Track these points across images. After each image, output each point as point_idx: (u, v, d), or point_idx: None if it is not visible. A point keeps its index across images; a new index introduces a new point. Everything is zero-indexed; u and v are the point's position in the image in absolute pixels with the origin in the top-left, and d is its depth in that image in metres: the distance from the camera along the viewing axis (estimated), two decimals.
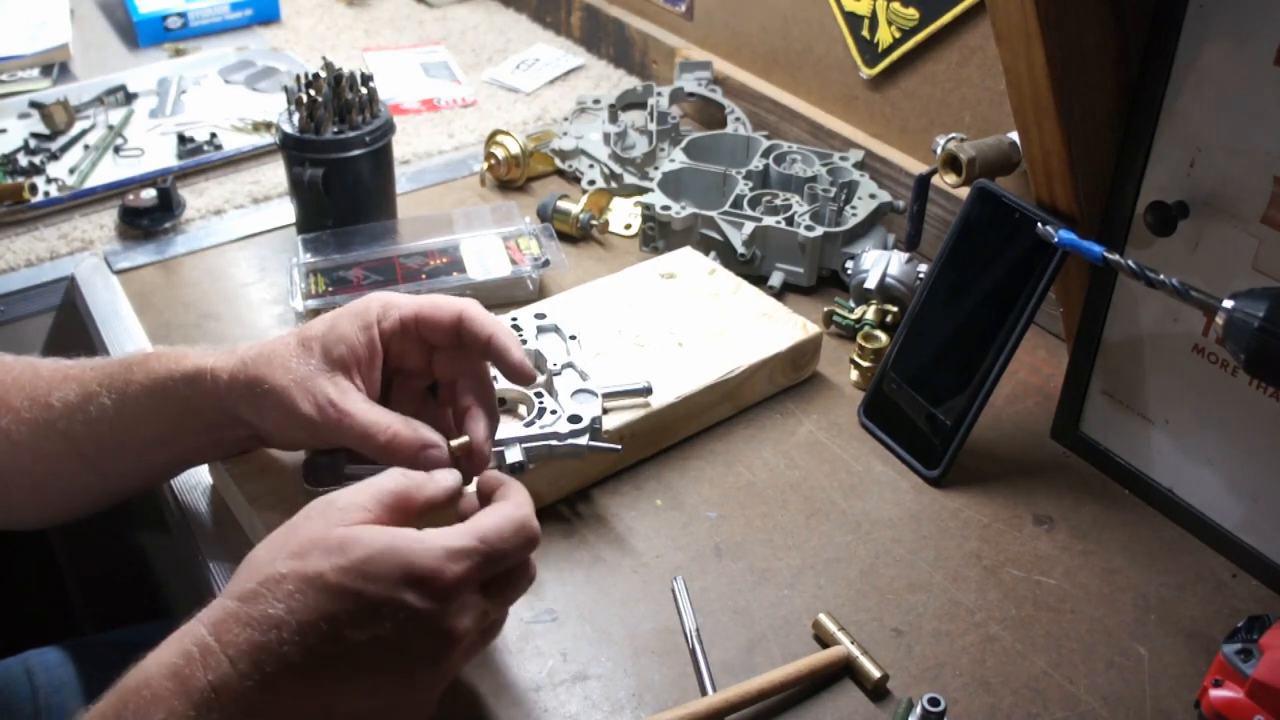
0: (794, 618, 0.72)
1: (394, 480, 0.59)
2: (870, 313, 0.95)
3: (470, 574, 0.56)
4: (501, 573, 0.59)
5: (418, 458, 0.64)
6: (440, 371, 0.69)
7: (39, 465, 0.70)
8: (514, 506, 0.60)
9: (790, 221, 1.01)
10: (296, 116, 1.00)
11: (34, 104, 1.28)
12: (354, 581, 0.53)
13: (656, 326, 0.90)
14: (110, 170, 1.19)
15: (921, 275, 0.94)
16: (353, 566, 0.53)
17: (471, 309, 0.67)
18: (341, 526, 0.55)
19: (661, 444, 0.84)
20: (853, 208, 1.04)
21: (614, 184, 1.17)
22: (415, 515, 0.59)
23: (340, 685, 0.54)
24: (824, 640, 0.70)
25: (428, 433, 0.65)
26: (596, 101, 1.29)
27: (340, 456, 0.72)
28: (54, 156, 1.20)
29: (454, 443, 0.66)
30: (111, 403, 0.68)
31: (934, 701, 0.64)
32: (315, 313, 0.94)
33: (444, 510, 0.61)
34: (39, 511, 0.75)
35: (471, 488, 0.64)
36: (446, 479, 0.61)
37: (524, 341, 0.82)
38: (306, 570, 0.53)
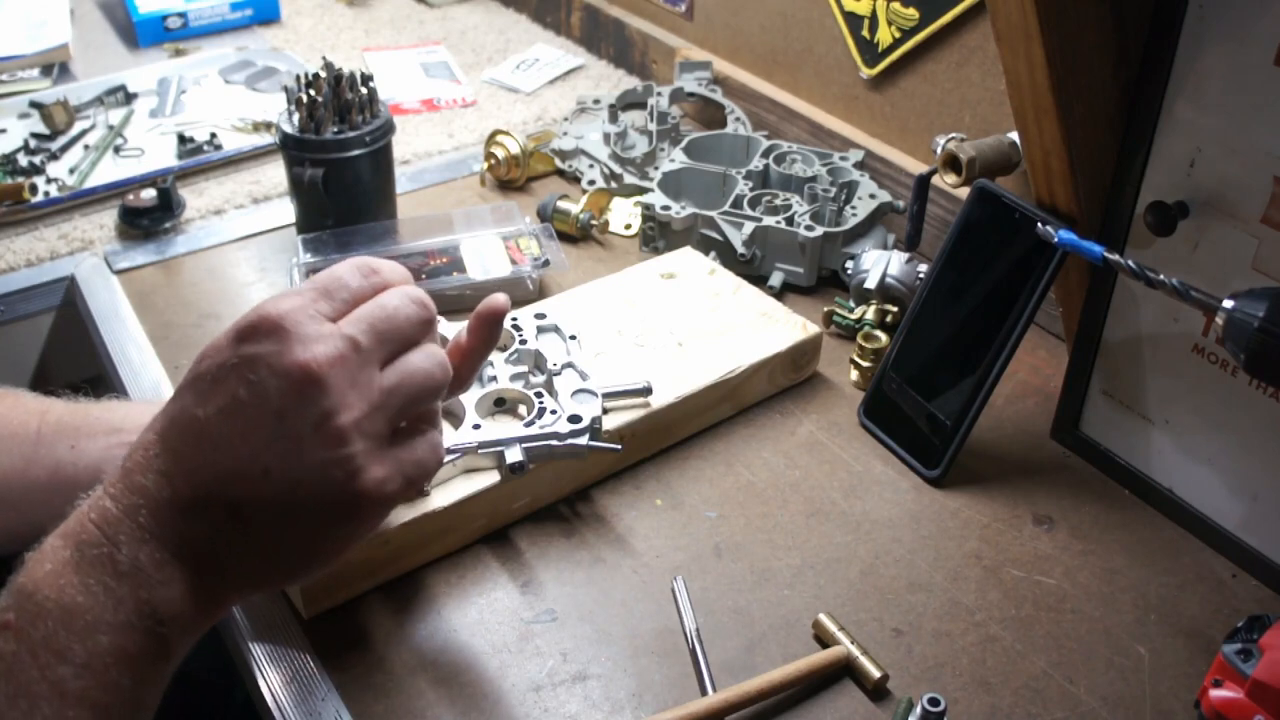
0: (794, 618, 0.72)
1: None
2: (870, 313, 0.95)
3: (302, 306, 0.52)
4: (347, 301, 0.54)
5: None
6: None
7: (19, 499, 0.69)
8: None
9: (790, 221, 1.01)
10: (296, 116, 1.00)
11: (34, 104, 1.28)
12: (195, 366, 0.52)
13: (656, 326, 0.90)
14: (110, 170, 1.19)
15: (921, 275, 0.94)
16: (196, 359, 0.53)
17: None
18: None
19: (661, 444, 0.84)
20: (853, 208, 1.04)
21: (614, 184, 1.17)
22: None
23: (219, 475, 0.50)
24: (824, 640, 0.70)
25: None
26: (596, 101, 1.29)
27: None
28: (54, 156, 1.20)
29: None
30: (95, 455, 0.68)
31: (934, 701, 0.64)
32: None
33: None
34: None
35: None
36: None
37: (524, 342, 0.82)
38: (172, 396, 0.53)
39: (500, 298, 0.64)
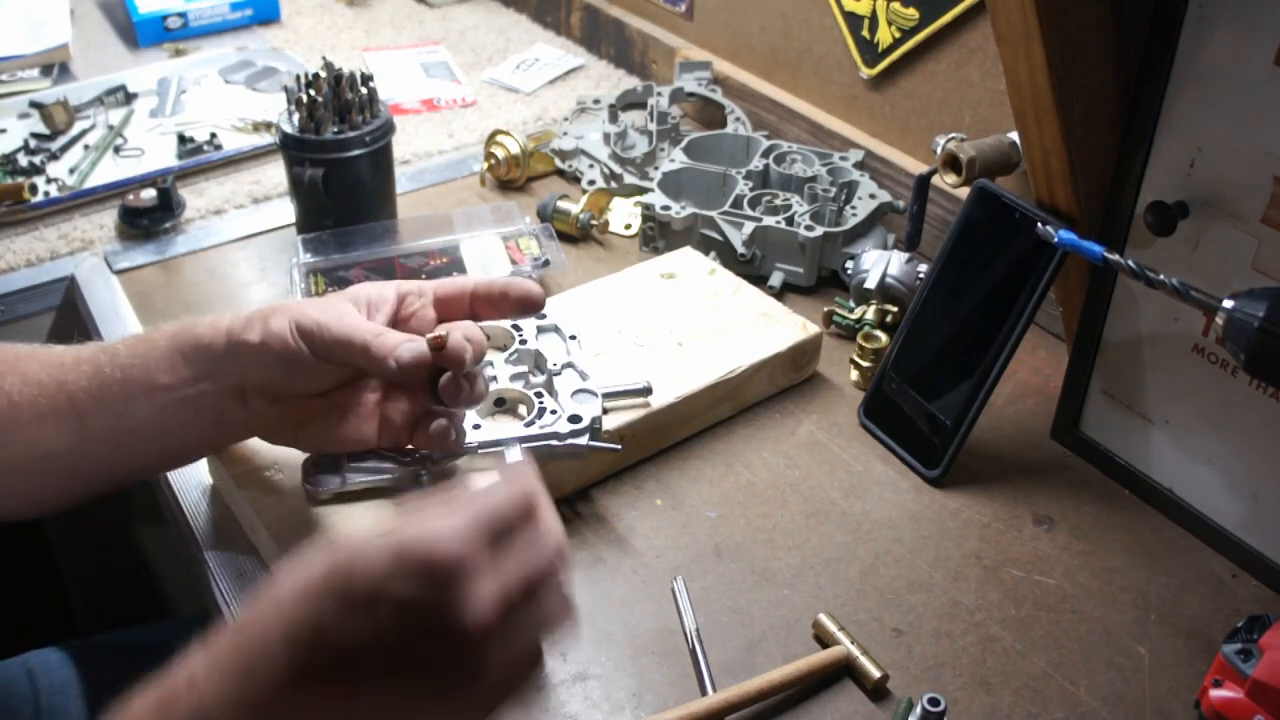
0: (794, 618, 0.72)
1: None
2: (870, 313, 0.95)
3: (468, 549, 0.49)
4: (512, 546, 0.51)
5: (396, 349, 0.64)
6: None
7: (34, 427, 0.68)
8: (506, 475, 0.55)
9: (790, 221, 1.01)
10: (296, 116, 1.00)
11: (34, 104, 1.28)
12: (339, 580, 0.48)
13: (656, 326, 0.90)
14: (110, 170, 1.19)
15: (921, 275, 0.94)
16: (339, 564, 0.48)
17: (479, 280, 0.71)
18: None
19: (661, 444, 0.84)
20: (853, 208, 1.04)
21: (614, 184, 1.17)
22: None
23: (342, 703, 0.49)
24: (824, 640, 0.70)
25: (405, 334, 0.67)
26: (596, 101, 1.29)
27: (341, 458, 0.72)
28: (54, 156, 1.20)
29: (428, 336, 0.66)
30: (125, 349, 0.69)
31: (934, 701, 0.64)
32: None
33: None
34: (30, 492, 0.72)
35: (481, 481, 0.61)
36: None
37: (524, 341, 0.82)
38: (297, 582, 0.49)
39: (538, 291, 0.70)
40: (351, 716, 0.49)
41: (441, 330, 0.66)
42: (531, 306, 0.72)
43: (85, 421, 0.68)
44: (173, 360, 0.68)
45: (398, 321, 0.70)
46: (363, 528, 0.51)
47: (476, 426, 0.75)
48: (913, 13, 1.05)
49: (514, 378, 0.80)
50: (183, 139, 1.24)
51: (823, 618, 0.70)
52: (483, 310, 0.72)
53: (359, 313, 0.68)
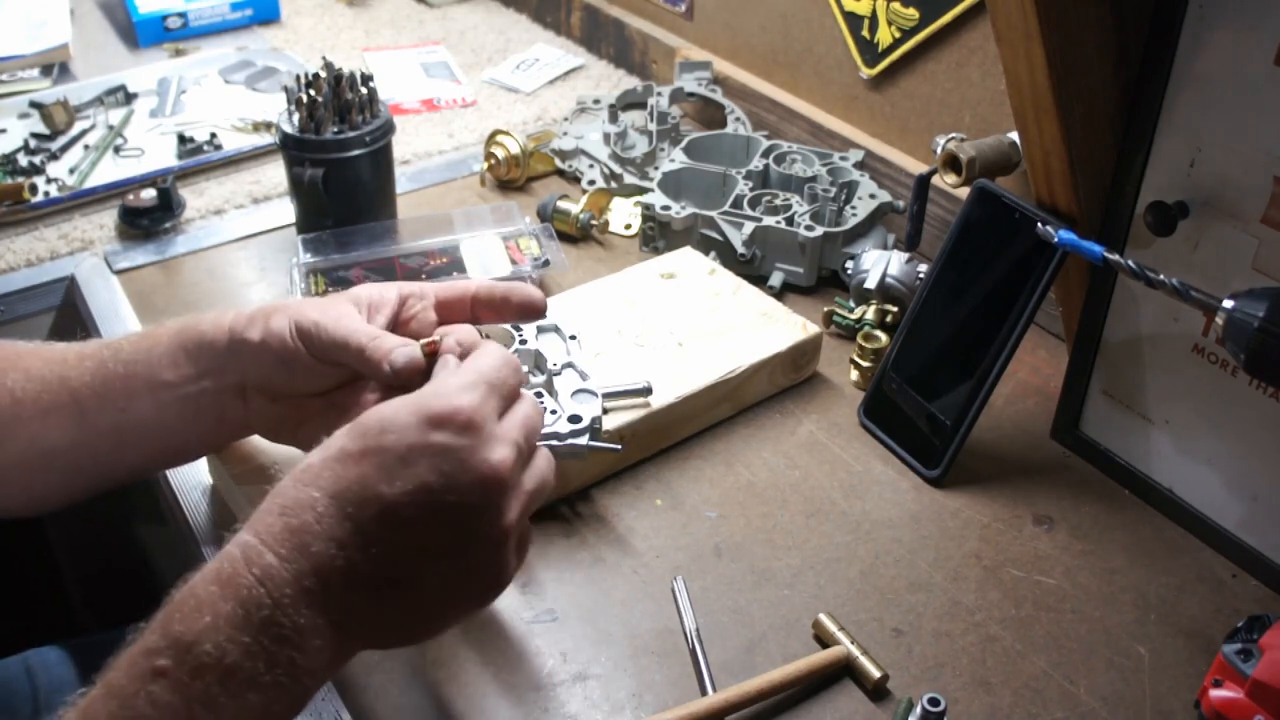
0: (794, 618, 0.72)
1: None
2: (870, 313, 0.95)
3: (484, 402, 0.56)
4: (510, 402, 0.59)
5: (391, 355, 0.64)
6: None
7: (36, 424, 0.69)
8: (492, 346, 0.62)
9: (790, 221, 1.01)
10: (296, 116, 1.00)
11: (34, 104, 1.28)
12: (374, 440, 0.53)
13: (656, 326, 0.90)
14: (110, 170, 1.19)
15: (921, 275, 0.94)
16: (368, 428, 0.54)
17: (481, 284, 0.72)
18: None
19: (661, 444, 0.84)
20: (853, 208, 1.04)
21: (614, 184, 1.17)
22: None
23: (394, 552, 0.53)
24: (824, 640, 0.70)
25: (402, 338, 0.67)
26: (596, 101, 1.29)
27: None
28: (54, 156, 1.20)
29: (421, 342, 0.66)
30: (128, 345, 0.69)
31: (934, 701, 0.64)
32: None
33: None
34: (32, 488, 0.72)
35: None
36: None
37: (524, 341, 0.82)
38: (329, 452, 0.54)
39: (540, 298, 0.71)
40: (408, 569, 0.53)
41: (436, 335, 0.66)
42: (533, 312, 0.72)
43: (88, 418, 0.69)
44: (175, 357, 0.68)
45: (398, 324, 0.70)
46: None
47: None
48: (913, 13, 1.05)
49: None
50: (183, 139, 1.24)
51: (823, 618, 0.70)
52: (484, 314, 0.72)
53: (359, 314, 0.68)
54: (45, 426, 0.68)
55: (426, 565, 0.54)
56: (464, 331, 0.68)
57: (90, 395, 0.68)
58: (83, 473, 0.72)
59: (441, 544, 0.54)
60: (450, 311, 0.72)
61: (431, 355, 0.66)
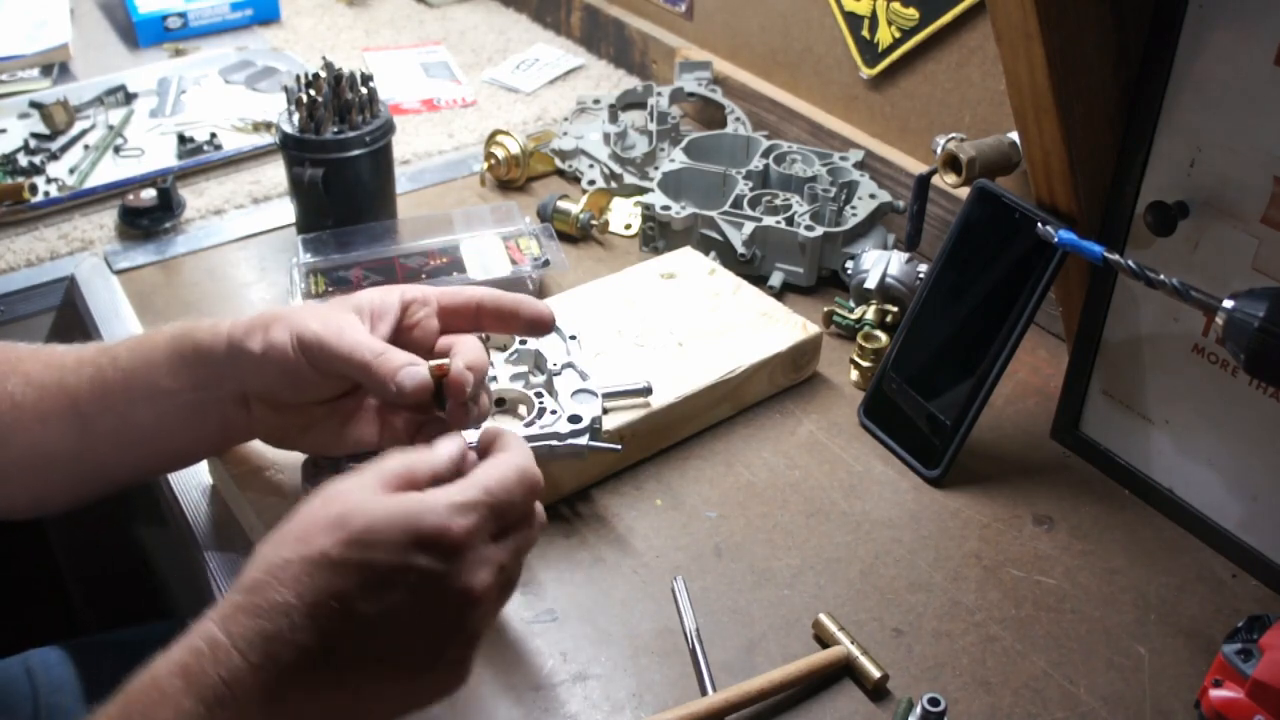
0: (794, 618, 0.72)
1: (396, 459, 0.57)
2: (870, 313, 0.95)
3: (479, 527, 0.55)
4: (511, 523, 0.58)
5: (397, 374, 0.63)
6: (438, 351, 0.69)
7: (37, 428, 0.68)
8: (514, 455, 0.59)
9: (790, 221, 1.01)
10: (296, 116, 1.00)
11: (34, 104, 1.28)
12: (358, 553, 0.51)
13: (656, 326, 0.90)
14: (110, 170, 1.19)
15: (921, 275, 0.94)
16: (354, 538, 0.52)
17: (488, 294, 0.70)
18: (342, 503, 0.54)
19: (661, 444, 0.84)
20: (853, 208, 1.04)
21: (614, 184, 1.17)
22: (422, 490, 0.58)
23: (362, 666, 0.53)
24: (824, 640, 0.70)
25: (408, 354, 0.65)
26: (596, 101, 1.29)
27: (341, 459, 0.72)
28: (54, 156, 1.20)
29: (431, 363, 0.64)
30: (126, 351, 0.68)
31: (934, 701, 0.64)
32: None
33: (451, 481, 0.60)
34: (33, 491, 0.72)
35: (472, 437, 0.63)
36: (449, 446, 0.59)
37: (524, 342, 0.82)
38: (309, 552, 0.52)
39: (549, 313, 0.70)
40: (370, 679, 0.53)
41: (444, 360, 0.65)
42: (541, 328, 0.70)
43: (88, 423, 0.68)
44: (173, 364, 0.68)
45: (401, 330, 0.69)
46: (347, 480, 0.55)
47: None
48: (913, 13, 1.05)
49: (514, 378, 0.80)
50: (183, 139, 1.24)
51: (823, 618, 0.70)
52: (490, 325, 0.71)
53: (362, 322, 0.67)
54: (46, 431, 0.68)
55: (389, 674, 0.54)
56: (470, 353, 0.66)
57: (90, 401, 0.68)
58: (84, 476, 0.71)
59: (409, 656, 0.54)
60: (455, 319, 0.70)
61: (440, 377, 0.64)
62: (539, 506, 0.61)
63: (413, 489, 0.56)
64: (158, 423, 0.69)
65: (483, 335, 0.82)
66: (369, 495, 0.54)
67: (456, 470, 0.59)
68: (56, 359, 0.70)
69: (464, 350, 0.66)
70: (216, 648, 0.50)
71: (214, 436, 0.72)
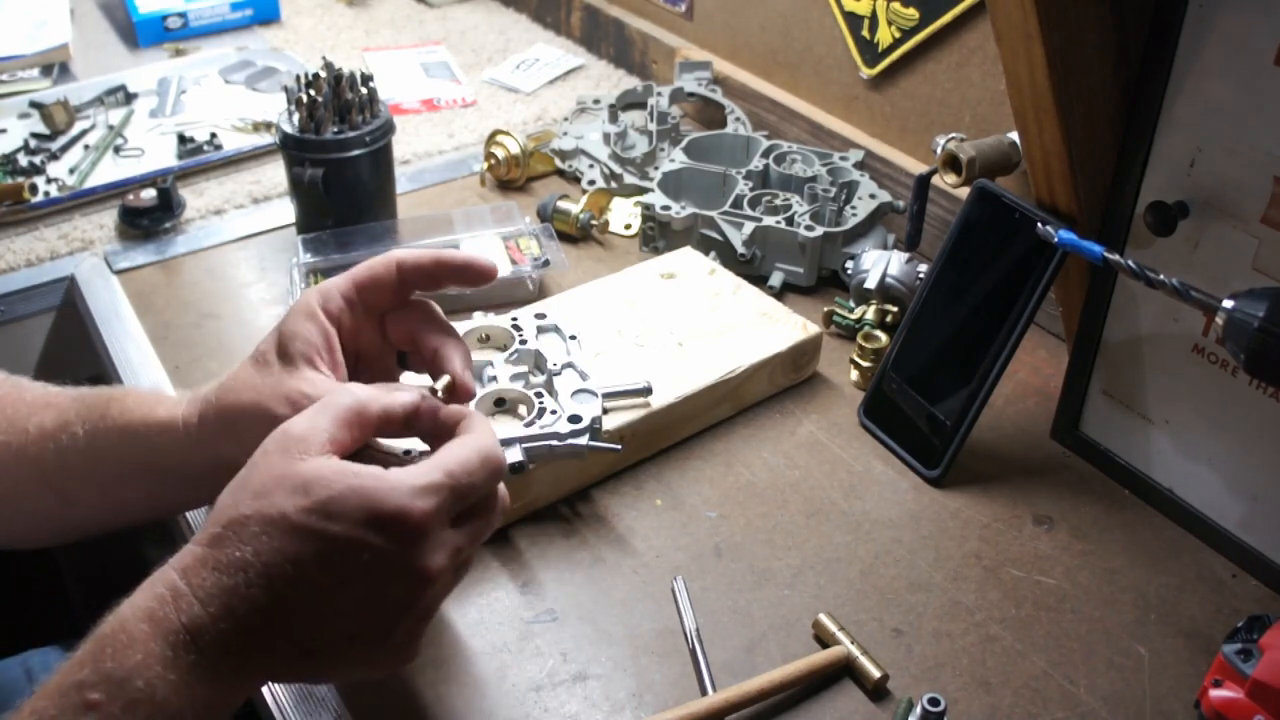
0: (794, 618, 0.72)
1: (348, 396, 0.58)
2: (870, 313, 0.95)
3: (439, 510, 0.55)
4: (472, 506, 0.58)
5: (417, 412, 0.61)
6: (397, 335, 0.68)
7: (6, 484, 0.70)
8: (477, 437, 0.58)
9: (790, 221, 1.01)
10: (296, 116, 1.00)
11: (34, 104, 1.28)
12: (317, 522, 0.52)
13: (656, 326, 0.90)
14: (110, 170, 1.19)
15: (921, 275, 0.94)
16: (316, 506, 0.52)
17: (404, 254, 0.67)
18: (302, 459, 0.54)
19: (661, 444, 0.84)
20: (853, 208, 1.04)
21: (614, 184, 1.17)
22: (374, 430, 0.58)
23: (314, 627, 0.53)
24: (824, 640, 0.70)
25: (410, 393, 0.62)
26: (596, 101, 1.29)
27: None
28: (54, 156, 1.20)
29: (437, 385, 0.64)
30: (84, 434, 0.68)
31: (934, 701, 0.64)
32: None
33: (402, 431, 0.60)
34: (4, 534, 0.74)
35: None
36: (405, 395, 0.60)
37: (524, 341, 0.82)
38: (269, 511, 0.52)
39: (492, 266, 0.68)
40: (325, 644, 0.54)
41: (445, 378, 0.65)
42: (475, 275, 0.67)
43: (74, 506, 0.70)
44: (150, 463, 0.68)
45: (348, 354, 0.67)
46: (300, 422, 0.56)
47: None
48: (913, 13, 1.05)
49: (514, 378, 0.80)
50: (183, 139, 1.24)
51: (823, 618, 0.70)
52: (449, 279, 0.68)
53: (322, 374, 0.64)
54: (14, 491, 0.70)
55: (343, 643, 0.55)
56: (463, 353, 0.66)
57: (56, 472, 0.69)
58: (70, 533, 0.74)
59: (361, 628, 0.55)
60: (374, 295, 0.67)
61: (450, 391, 0.64)
62: (502, 488, 0.61)
63: (365, 428, 0.57)
64: (130, 493, 0.70)
65: (483, 335, 0.82)
66: (327, 448, 0.55)
67: (409, 418, 0.60)
68: (21, 420, 0.70)
69: (456, 355, 0.66)
70: (179, 596, 0.52)
71: (200, 502, 0.73)
